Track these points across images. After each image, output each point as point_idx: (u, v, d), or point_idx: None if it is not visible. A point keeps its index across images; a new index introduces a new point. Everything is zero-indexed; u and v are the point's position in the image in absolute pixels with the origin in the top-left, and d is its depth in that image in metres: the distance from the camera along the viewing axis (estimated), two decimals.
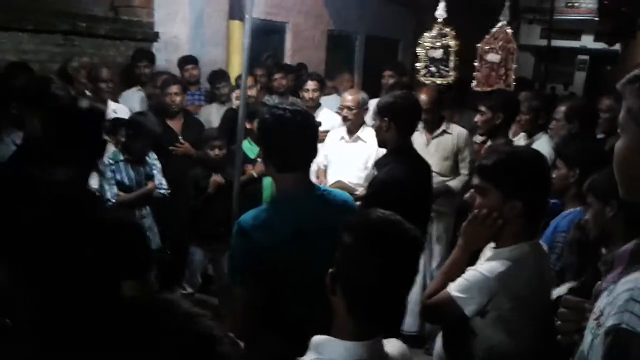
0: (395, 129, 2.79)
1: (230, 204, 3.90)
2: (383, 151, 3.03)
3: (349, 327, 1.32)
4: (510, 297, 1.79)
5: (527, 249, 1.85)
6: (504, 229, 1.85)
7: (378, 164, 2.96)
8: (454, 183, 4.02)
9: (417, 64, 4.55)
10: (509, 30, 4.28)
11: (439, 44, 4.37)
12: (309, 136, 1.99)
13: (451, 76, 4.45)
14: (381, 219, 1.36)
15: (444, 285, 1.88)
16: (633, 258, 0.98)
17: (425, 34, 4.45)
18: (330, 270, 1.34)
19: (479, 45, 4.34)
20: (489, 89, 4.23)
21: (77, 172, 2.12)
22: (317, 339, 1.34)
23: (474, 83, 4.44)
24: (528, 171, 1.85)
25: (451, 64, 4.42)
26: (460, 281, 1.83)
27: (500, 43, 4.28)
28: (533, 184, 1.86)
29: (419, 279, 3.90)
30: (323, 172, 4.22)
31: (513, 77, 4.33)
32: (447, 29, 4.38)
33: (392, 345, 1.40)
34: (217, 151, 4.01)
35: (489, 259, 1.86)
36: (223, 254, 4.03)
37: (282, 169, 1.96)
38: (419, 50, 4.48)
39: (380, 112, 2.84)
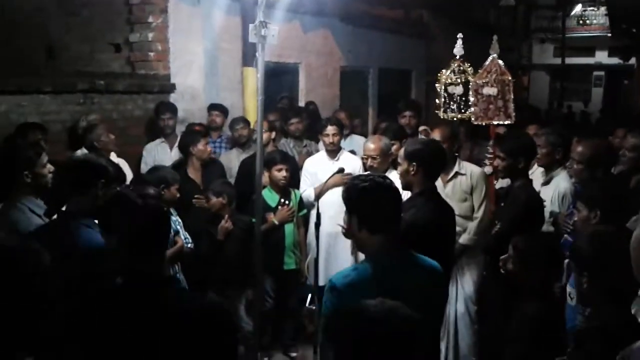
0: (422, 173, 2.91)
1: (243, 249, 3.93)
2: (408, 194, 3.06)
3: None
4: None
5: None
6: None
7: (404, 206, 3.03)
8: (464, 238, 3.94)
9: (436, 101, 4.54)
10: (501, 63, 4.29)
11: (458, 80, 4.38)
12: (391, 201, 2.21)
13: (471, 112, 4.43)
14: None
15: None
16: None
17: (443, 70, 4.47)
18: None
19: (472, 80, 4.33)
20: (488, 122, 4.23)
21: None
22: None
23: (472, 117, 4.41)
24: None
25: (470, 100, 4.41)
26: None
27: (494, 76, 4.28)
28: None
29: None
30: None
31: (512, 107, 4.30)
32: (466, 65, 4.39)
33: None
34: (213, 199, 4.08)
35: None
36: (239, 300, 4.02)
37: (373, 230, 2.15)
38: (437, 86, 4.48)
39: (408, 156, 2.96)
